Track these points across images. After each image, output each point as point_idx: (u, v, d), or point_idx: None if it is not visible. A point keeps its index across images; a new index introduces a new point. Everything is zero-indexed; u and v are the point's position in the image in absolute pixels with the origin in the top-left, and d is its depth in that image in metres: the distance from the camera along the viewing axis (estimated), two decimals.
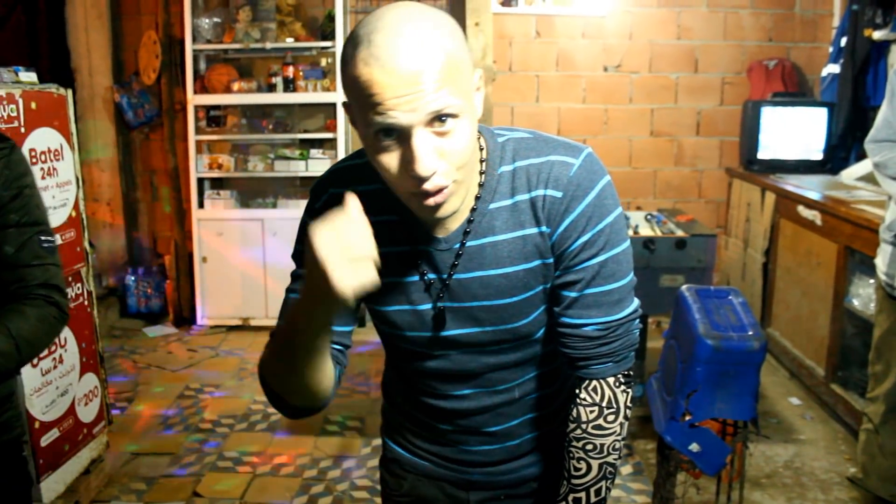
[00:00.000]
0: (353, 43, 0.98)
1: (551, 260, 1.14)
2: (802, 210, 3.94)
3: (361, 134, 1.04)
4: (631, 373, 1.21)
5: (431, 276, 1.16)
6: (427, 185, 0.99)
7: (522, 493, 1.35)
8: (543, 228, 1.12)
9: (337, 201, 1.14)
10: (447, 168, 1.00)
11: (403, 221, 1.15)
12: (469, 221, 1.13)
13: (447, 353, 1.21)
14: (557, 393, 1.32)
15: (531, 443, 1.32)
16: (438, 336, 1.19)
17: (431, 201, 1.02)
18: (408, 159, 0.98)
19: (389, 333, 1.24)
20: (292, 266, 1.25)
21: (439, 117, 0.97)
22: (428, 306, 1.17)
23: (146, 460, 3.32)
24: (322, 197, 1.19)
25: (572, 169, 1.11)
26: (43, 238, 1.54)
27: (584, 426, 1.19)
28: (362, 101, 0.97)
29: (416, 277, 1.17)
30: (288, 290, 1.23)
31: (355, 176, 1.18)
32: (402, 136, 0.97)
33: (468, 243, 1.13)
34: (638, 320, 1.20)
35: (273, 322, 4.76)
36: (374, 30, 0.96)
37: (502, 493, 1.35)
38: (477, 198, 1.13)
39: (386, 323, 1.22)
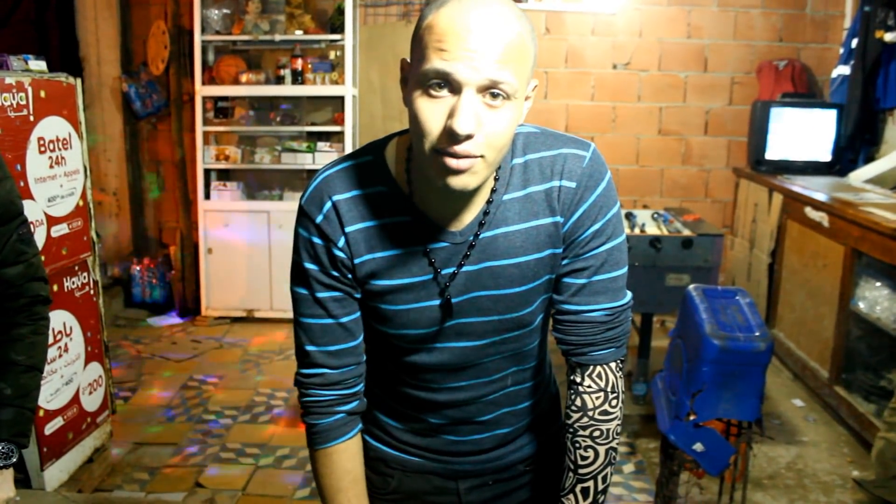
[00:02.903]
0: (440, 2, 1.01)
1: (561, 249, 1.17)
2: (809, 211, 3.92)
3: (410, 85, 1.04)
4: (624, 359, 1.25)
5: (445, 270, 1.15)
6: (457, 148, 0.99)
7: (509, 476, 1.37)
8: (558, 218, 1.15)
9: (344, 210, 1.13)
10: (482, 141, 1.00)
11: (416, 221, 1.14)
12: (485, 213, 1.13)
13: (448, 346, 1.20)
14: (544, 380, 1.36)
15: (520, 429, 1.34)
16: (443, 328, 1.18)
17: (454, 163, 1.00)
18: (450, 114, 0.98)
19: (388, 333, 1.21)
20: None
21: (493, 90, 0.98)
22: (437, 301, 1.17)
23: (149, 450, 3.33)
24: (323, 208, 1.14)
25: (584, 161, 1.15)
26: (22, 231, 1.51)
27: (590, 413, 1.21)
28: (431, 46, 0.98)
29: (430, 275, 1.15)
30: (300, 315, 1.21)
31: (356, 179, 1.15)
32: (453, 90, 0.99)
33: (482, 235, 1.14)
34: (630, 309, 1.24)
35: (277, 315, 4.71)
36: None
37: (490, 478, 1.36)
38: (493, 190, 1.13)
39: (393, 324, 1.19)
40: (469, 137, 0.98)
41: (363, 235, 1.14)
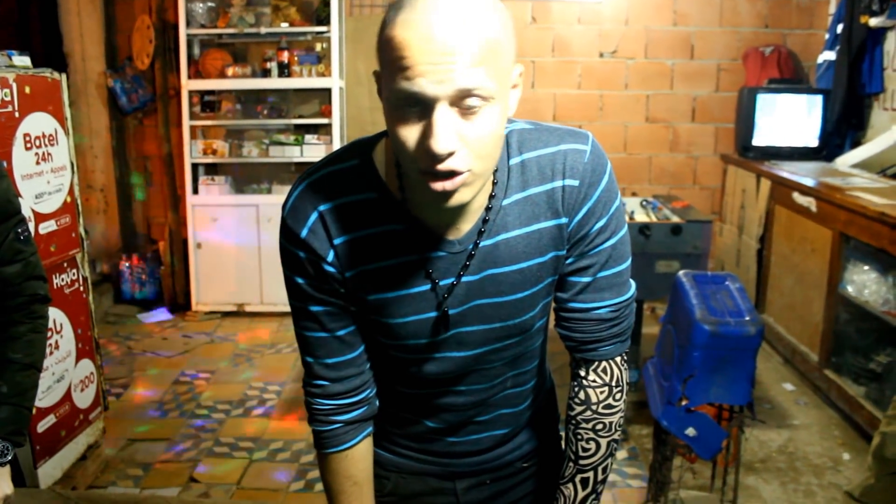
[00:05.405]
0: (396, 6, 0.91)
1: (564, 251, 1.12)
2: (797, 197, 3.94)
3: (384, 102, 0.96)
4: (629, 352, 1.24)
5: (444, 281, 1.09)
6: (440, 167, 0.91)
7: (506, 474, 1.36)
8: (562, 220, 1.09)
9: (331, 221, 1.06)
10: (466, 154, 0.92)
11: (410, 229, 1.07)
12: (484, 221, 1.07)
13: (449, 356, 1.16)
14: (542, 378, 1.34)
15: (518, 428, 1.32)
16: (444, 340, 1.14)
17: (439, 186, 0.93)
18: (425, 134, 0.90)
19: (386, 343, 1.16)
20: None
21: (468, 97, 0.89)
22: (435, 313, 1.11)
23: (142, 446, 3.32)
24: (308, 221, 1.06)
25: (586, 155, 1.08)
26: (20, 230, 1.51)
27: (594, 407, 1.20)
28: (392, 65, 0.90)
29: (428, 286, 1.09)
30: (296, 326, 1.16)
31: (343, 185, 1.07)
32: (425, 108, 0.90)
33: (482, 243, 1.08)
34: (635, 302, 1.21)
35: (268, 308, 4.67)
36: None
37: (488, 477, 1.34)
38: (491, 196, 1.07)
39: (391, 336, 1.13)
40: (451, 154, 0.91)
41: (354, 247, 1.07)
